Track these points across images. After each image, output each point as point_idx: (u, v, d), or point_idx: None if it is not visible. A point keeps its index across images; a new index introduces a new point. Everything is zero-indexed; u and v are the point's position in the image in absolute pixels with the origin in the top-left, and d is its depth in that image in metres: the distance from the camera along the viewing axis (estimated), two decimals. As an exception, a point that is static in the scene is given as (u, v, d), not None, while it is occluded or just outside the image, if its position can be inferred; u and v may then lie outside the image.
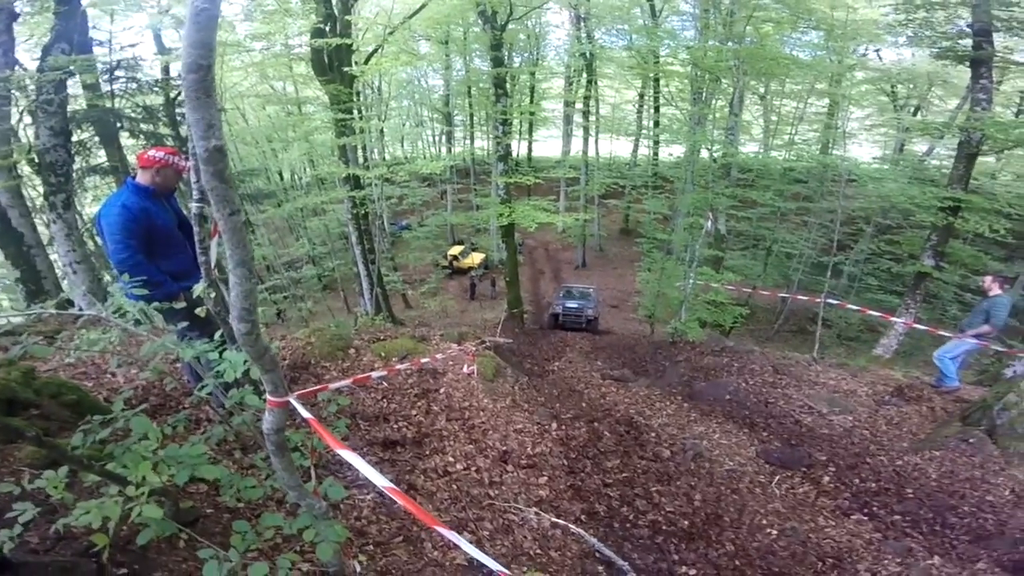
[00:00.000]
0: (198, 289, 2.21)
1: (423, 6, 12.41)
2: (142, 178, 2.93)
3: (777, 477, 4.51)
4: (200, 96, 1.04)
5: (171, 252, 2.98)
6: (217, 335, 2.18)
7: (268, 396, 1.43)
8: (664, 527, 3.60)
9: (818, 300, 9.51)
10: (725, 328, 12.51)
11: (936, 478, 4.32)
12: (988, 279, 6.14)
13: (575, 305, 13.79)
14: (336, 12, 11.06)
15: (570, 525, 3.11)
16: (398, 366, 4.10)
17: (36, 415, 2.36)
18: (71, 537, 1.64)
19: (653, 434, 5.21)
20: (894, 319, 10.22)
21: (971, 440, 4.62)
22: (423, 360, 4.70)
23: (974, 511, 3.84)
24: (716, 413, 6.04)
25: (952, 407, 5.68)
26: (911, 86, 19.03)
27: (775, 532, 3.65)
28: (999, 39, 10.67)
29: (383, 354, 5.11)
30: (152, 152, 2.93)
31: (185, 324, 2.85)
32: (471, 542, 2.89)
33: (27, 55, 10.67)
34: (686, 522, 3.68)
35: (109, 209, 2.88)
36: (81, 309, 6.72)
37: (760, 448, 5.10)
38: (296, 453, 1.97)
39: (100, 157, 12.21)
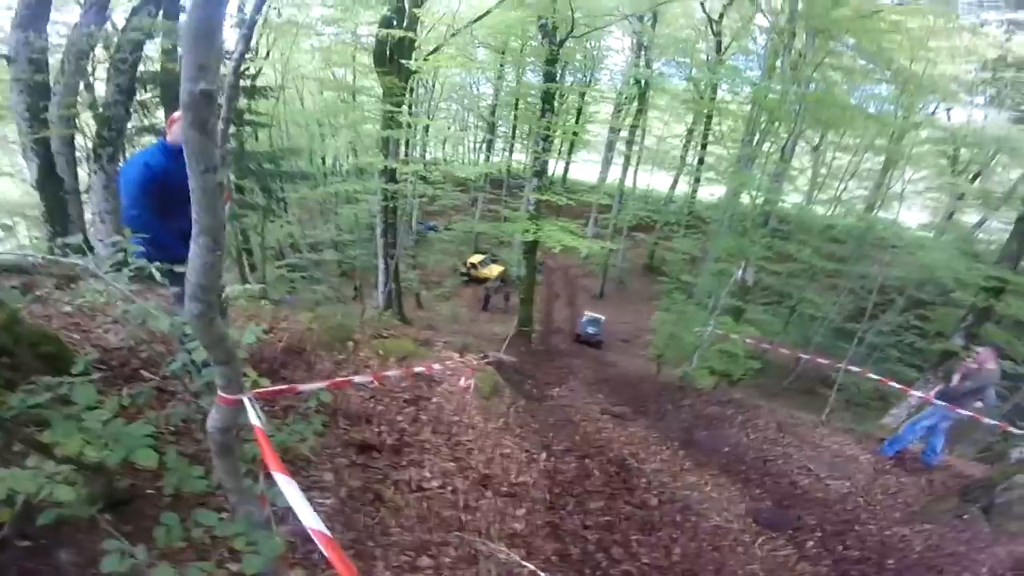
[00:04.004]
0: None
1: (488, 12, 12.54)
2: (171, 136, 2.90)
3: (761, 538, 4.36)
4: (201, 35, 0.93)
5: (188, 213, 2.93)
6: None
7: (219, 391, 1.31)
8: (637, 582, 3.38)
9: (838, 365, 9.11)
10: (733, 378, 12.13)
11: (920, 551, 4.25)
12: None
13: (593, 331, 18.39)
14: (406, 6, 11.26)
15: (538, 571, 2.90)
16: (386, 373, 3.96)
17: (6, 364, 2.29)
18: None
19: (644, 479, 4.99)
20: (913, 392, 9.79)
21: (965, 516, 4.55)
22: (416, 369, 4.56)
23: (949, 587, 3.70)
24: (711, 465, 5.85)
25: (951, 481, 5.53)
26: (975, 150, 18.11)
27: (751, 600, 3.42)
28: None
29: (381, 352, 5.00)
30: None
31: (180, 288, 2.79)
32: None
33: (122, 16, 11.06)
34: (660, 578, 3.46)
35: (131, 166, 2.87)
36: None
37: (750, 506, 4.95)
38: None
39: (157, 118, 12.58)
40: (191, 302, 1.11)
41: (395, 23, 10.94)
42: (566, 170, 35.17)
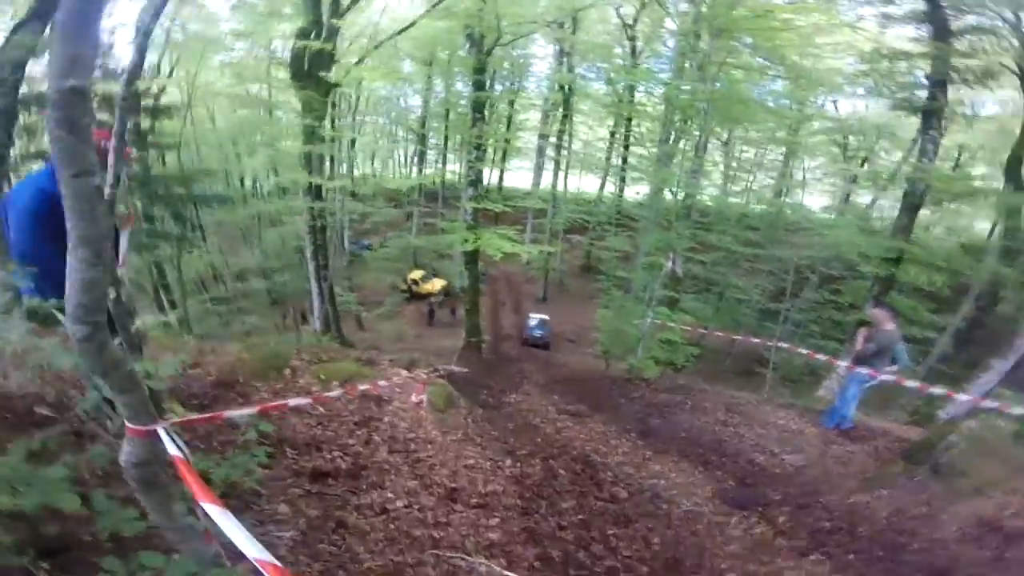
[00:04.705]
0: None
1: (412, 24, 12.40)
2: None
3: (734, 518, 4.42)
4: (73, 27, 0.80)
5: None
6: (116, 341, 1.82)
7: (126, 422, 1.14)
8: (622, 574, 3.34)
9: (769, 344, 9.72)
10: (676, 366, 12.66)
11: (886, 516, 4.34)
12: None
13: (539, 333, 18.83)
14: (324, 19, 10.87)
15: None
16: (327, 394, 3.69)
17: None
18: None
19: (610, 473, 4.99)
20: (838, 363, 10.67)
21: (917, 479, 4.73)
22: (361, 387, 4.31)
23: (924, 548, 3.84)
24: (671, 451, 5.92)
25: (894, 446, 5.85)
26: (861, 137, 20.01)
27: (736, 576, 3.48)
28: (951, 92, 11.33)
29: (323, 376, 4.69)
30: None
31: None
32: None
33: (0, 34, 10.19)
34: (645, 568, 3.44)
35: (22, 191, 2.52)
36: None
37: (716, 487, 5.02)
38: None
39: (46, 143, 11.44)
40: (74, 325, 0.95)
41: (313, 35, 10.55)
42: (501, 178, 35.44)
